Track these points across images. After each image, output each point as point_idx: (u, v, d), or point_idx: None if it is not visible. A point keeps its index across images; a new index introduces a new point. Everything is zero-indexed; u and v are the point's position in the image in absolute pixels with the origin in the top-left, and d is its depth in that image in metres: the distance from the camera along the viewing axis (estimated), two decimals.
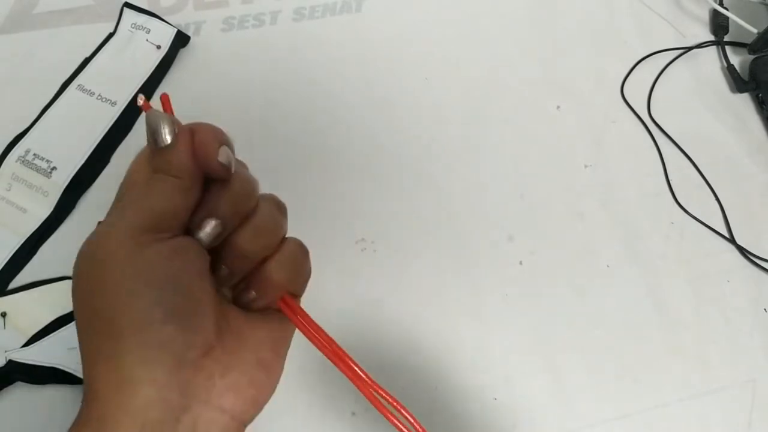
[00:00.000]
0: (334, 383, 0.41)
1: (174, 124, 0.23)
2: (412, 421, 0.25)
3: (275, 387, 0.25)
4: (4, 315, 0.42)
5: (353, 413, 0.41)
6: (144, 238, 0.21)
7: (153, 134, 0.22)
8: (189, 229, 0.23)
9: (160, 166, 0.22)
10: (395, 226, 0.47)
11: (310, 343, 0.25)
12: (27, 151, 0.46)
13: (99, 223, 0.22)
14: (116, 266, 0.20)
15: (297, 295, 0.27)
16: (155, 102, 0.25)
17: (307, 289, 0.44)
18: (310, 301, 0.44)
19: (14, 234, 0.45)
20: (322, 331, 0.25)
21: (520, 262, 0.47)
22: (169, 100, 0.24)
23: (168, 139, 0.22)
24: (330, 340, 0.25)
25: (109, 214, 0.23)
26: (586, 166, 0.50)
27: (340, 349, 0.25)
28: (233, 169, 0.23)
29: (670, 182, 0.50)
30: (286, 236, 0.26)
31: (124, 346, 0.20)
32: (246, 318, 0.24)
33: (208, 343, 0.22)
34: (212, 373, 0.22)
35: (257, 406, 0.24)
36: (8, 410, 0.40)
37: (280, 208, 0.26)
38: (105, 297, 0.20)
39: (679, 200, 0.50)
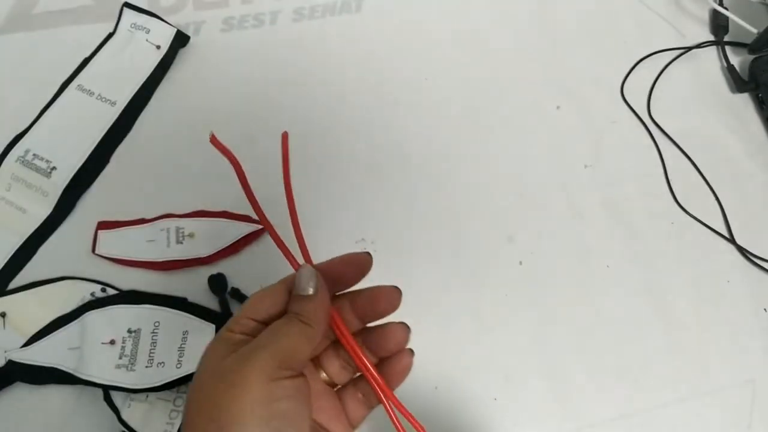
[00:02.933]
0: None
1: (318, 278, 0.27)
2: None
3: None
4: (3, 315, 0.42)
5: None
6: (276, 374, 0.24)
7: (299, 284, 0.26)
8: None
9: (296, 310, 0.26)
10: (395, 226, 0.47)
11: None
12: (26, 151, 0.46)
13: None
14: (247, 392, 0.23)
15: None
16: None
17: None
18: None
19: (14, 234, 0.45)
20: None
21: (520, 262, 0.47)
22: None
23: (310, 290, 0.26)
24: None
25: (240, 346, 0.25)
26: (586, 166, 0.50)
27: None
28: None
29: (670, 182, 0.50)
30: None
31: None
32: None
33: None
34: None
35: None
36: (8, 410, 0.40)
37: None
38: (228, 412, 0.23)
39: (679, 200, 0.49)
